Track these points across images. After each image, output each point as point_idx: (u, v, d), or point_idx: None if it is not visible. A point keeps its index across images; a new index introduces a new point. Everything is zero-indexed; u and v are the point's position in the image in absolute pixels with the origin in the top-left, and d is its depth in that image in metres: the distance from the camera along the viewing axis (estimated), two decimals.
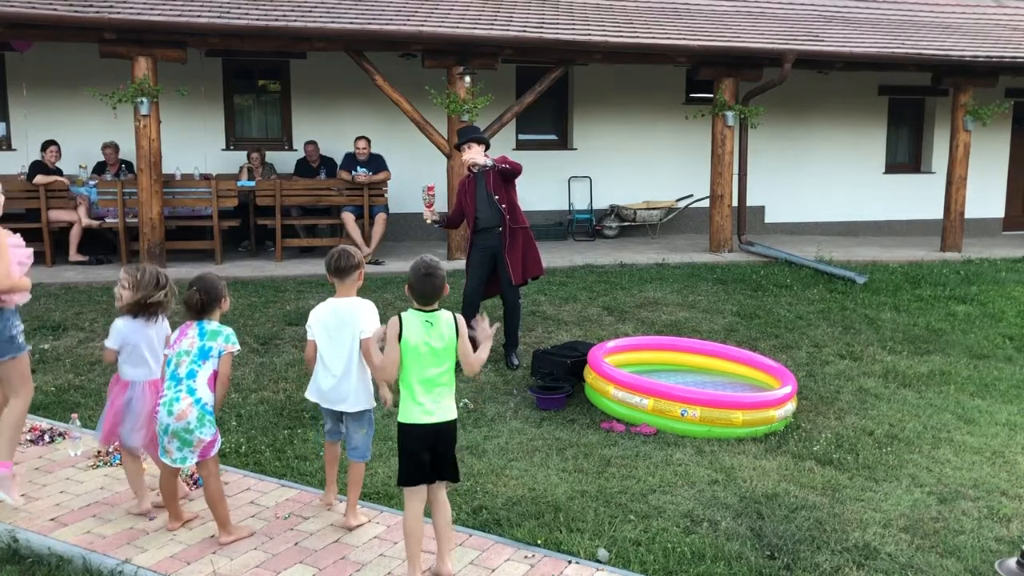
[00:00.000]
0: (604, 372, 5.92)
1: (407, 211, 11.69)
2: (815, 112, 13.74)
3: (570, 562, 3.87)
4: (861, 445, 5.44)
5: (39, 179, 9.82)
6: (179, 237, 10.47)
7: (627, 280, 9.66)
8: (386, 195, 10.76)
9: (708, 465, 5.04)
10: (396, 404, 3.83)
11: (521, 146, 12.75)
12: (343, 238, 10.44)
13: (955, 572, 3.91)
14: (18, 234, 4.38)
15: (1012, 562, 3.66)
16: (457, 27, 10.07)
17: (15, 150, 10.91)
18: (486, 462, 4.99)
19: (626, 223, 12.90)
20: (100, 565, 3.77)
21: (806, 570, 3.88)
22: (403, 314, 3.71)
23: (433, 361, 3.67)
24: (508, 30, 10.23)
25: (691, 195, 12.92)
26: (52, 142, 10.18)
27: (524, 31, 10.31)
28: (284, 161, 11.55)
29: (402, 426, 3.67)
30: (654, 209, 12.79)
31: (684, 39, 10.93)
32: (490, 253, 6.79)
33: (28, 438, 5.18)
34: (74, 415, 5.22)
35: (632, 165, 13.12)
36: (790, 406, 5.80)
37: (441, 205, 10.91)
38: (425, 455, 3.63)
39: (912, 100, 14.30)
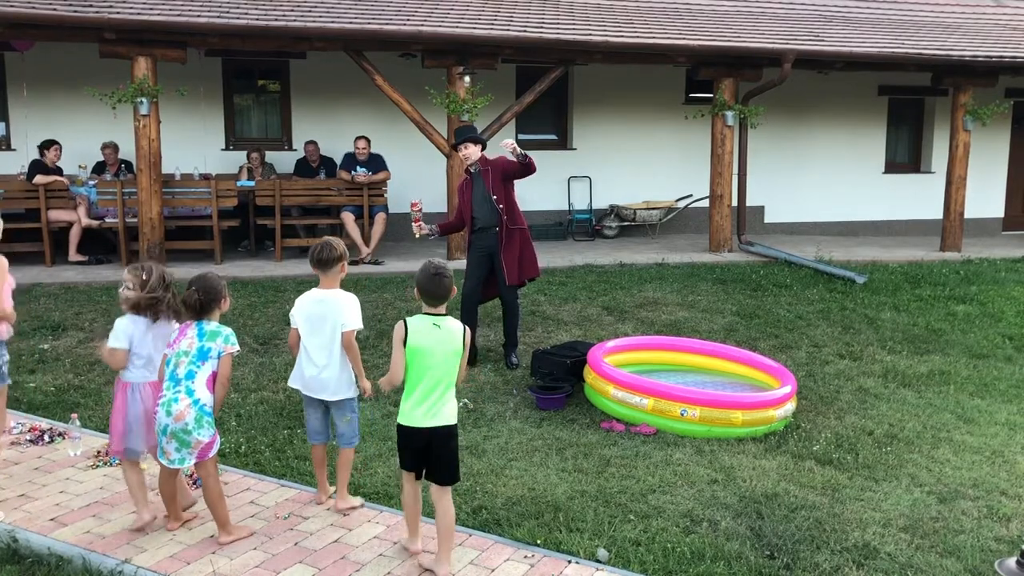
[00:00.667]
0: (604, 372, 5.92)
1: (407, 211, 11.61)
2: (815, 112, 13.74)
3: (570, 562, 3.87)
4: (861, 445, 5.44)
5: (39, 179, 9.82)
6: (179, 237, 10.48)
7: (627, 280, 9.66)
8: (386, 195, 10.76)
9: (708, 465, 5.04)
10: (377, 395, 3.86)
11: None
12: (343, 238, 10.42)
13: (955, 572, 3.91)
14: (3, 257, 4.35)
15: (1012, 562, 3.65)
16: (457, 27, 10.07)
17: (15, 150, 10.91)
18: (486, 462, 4.99)
19: (626, 223, 12.90)
20: (100, 565, 3.77)
21: (806, 570, 3.88)
22: (408, 319, 3.72)
23: (436, 366, 3.69)
24: (508, 30, 10.23)
25: (691, 195, 12.92)
26: (52, 142, 10.18)
27: (524, 31, 10.31)
28: (284, 161, 11.55)
29: (400, 427, 3.76)
30: (654, 209, 12.79)
31: (684, 39, 10.93)
32: (487, 253, 6.78)
33: (28, 438, 5.19)
34: (74, 415, 5.22)
35: (632, 165, 13.12)
36: (790, 406, 5.80)
37: (441, 205, 10.97)
38: (419, 453, 3.72)
39: (912, 100, 14.31)
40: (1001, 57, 11.68)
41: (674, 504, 4.49)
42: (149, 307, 4.04)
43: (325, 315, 4.18)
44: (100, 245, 10.44)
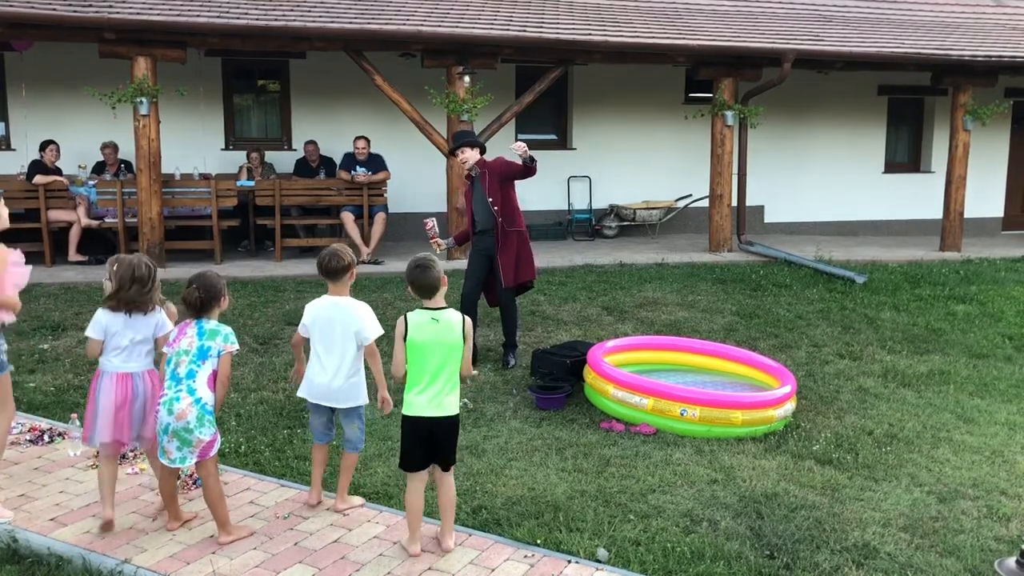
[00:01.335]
0: (604, 372, 5.92)
1: (406, 211, 11.69)
2: (815, 112, 13.74)
3: (570, 562, 3.87)
4: (860, 445, 5.44)
5: (38, 179, 9.82)
6: (179, 237, 10.47)
7: (627, 280, 9.66)
8: (385, 195, 10.76)
9: (707, 465, 5.05)
10: (398, 404, 3.92)
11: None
12: (343, 238, 10.43)
13: (955, 571, 3.91)
14: (18, 250, 4.30)
15: (1011, 561, 3.66)
16: (457, 27, 10.07)
17: (14, 150, 10.91)
18: (486, 462, 4.99)
19: (626, 223, 12.90)
20: (100, 565, 3.77)
21: (805, 570, 3.88)
22: (408, 314, 3.86)
23: (437, 358, 3.82)
24: (508, 30, 10.23)
25: (691, 195, 12.92)
26: (51, 142, 10.18)
27: (524, 31, 10.31)
28: (284, 161, 11.55)
29: (405, 418, 3.88)
30: (654, 209, 12.79)
31: (684, 39, 10.93)
32: (487, 255, 6.81)
33: (28, 438, 5.19)
34: (74, 415, 5.21)
35: (632, 165, 13.12)
36: (789, 406, 5.80)
37: (440, 205, 10.98)
38: (421, 445, 3.85)
39: (911, 100, 14.31)
40: (1001, 57, 11.68)
41: (674, 504, 4.49)
42: (119, 300, 3.99)
43: (334, 320, 4.18)
44: (100, 245, 10.43)
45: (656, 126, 13.17)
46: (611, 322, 8.09)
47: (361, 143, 10.68)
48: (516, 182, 6.82)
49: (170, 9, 9.40)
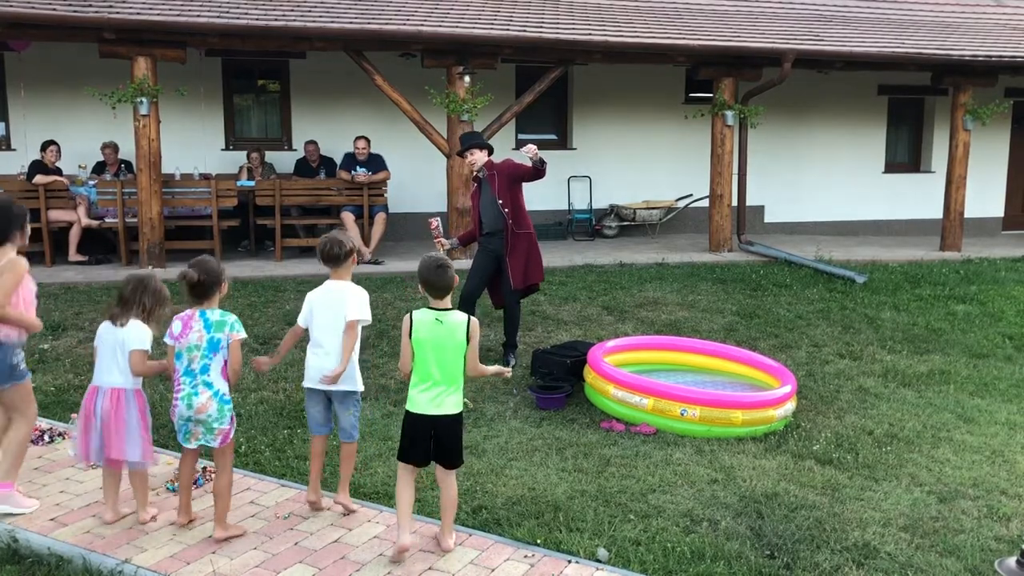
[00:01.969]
0: (604, 372, 5.92)
1: (407, 211, 11.69)
2: (815, 112, 13.74)
3: (570, 561, 3.87)
4: (861, 444, 5.45)
5: (38, 179, 9.82)
6: (179, 237, 10.47)
7: (627, 280, 9.66)
8: (386, 195, 10.76)
9: (708, 465, 5.05)
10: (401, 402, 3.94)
11: (521, 146, 12.72)
12: None
13: (955, 571, 3.91)
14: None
15: (1012, 561, 3.66)
16: (457, 27, 10.07)
17: (15, 150, 10.91)
18: (486, 462, 4.99)
19: (626, 223, 12.90)
20: (100, 565, 3.78)
21: (806, 569, 3.88)
22: (414, 312, 3.90)
23: (440, 358, 3.84)
24: (508, 30, 10.23)
25: (691, 195, 12.92)
26: (51, 142, 10.18)
27: (524, 31, 10.30)
28: (284, 161, 11.55)
29: (408, 414, 3.90)
30: (654, 209, 12.79)
31: (684, 39, 10.93)
32: (495, 256, 6.80)
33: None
34: (74, 415, 5.20)
35: (632, 165, 13.12)
36: (790, 405, 5.80)
37: (440, 205, 10.98)
38: (423, 441, 3.85)
39: (911, 100, 14.30)
40: (1001, 57, 11.68)
41: (674, 504, 4.49)
42: (113, 313, 4.13)
43: (332, 303, 4.23)
44: (100, 245, 10.44)
45: (656, 126, 13.17)
46: (611, 322, 8.09)
47: (361, 143, 10.68)
48: (524, 184, 6.80)
49: (170, 9, 9.40)
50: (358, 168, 10.63)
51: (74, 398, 5.92)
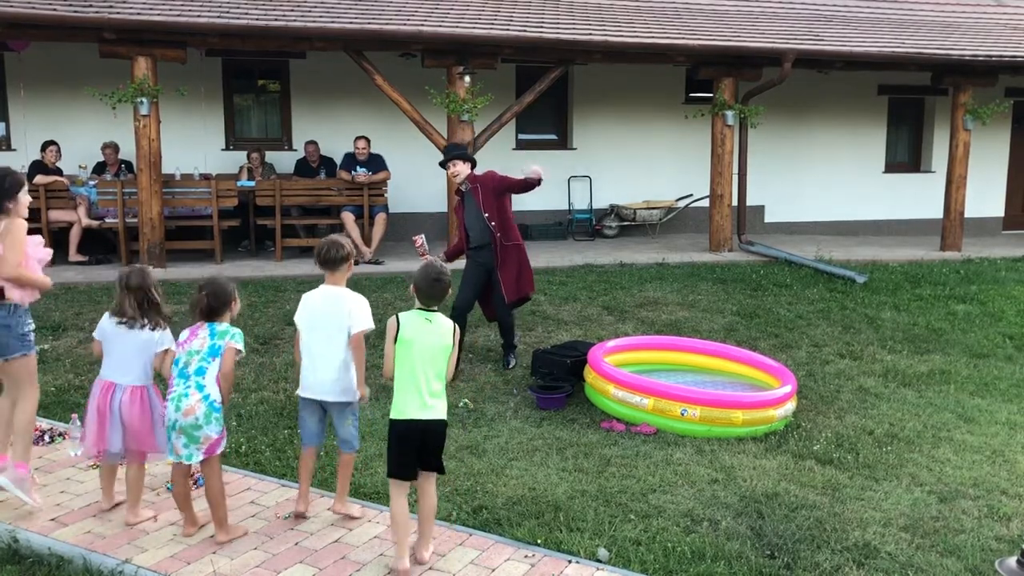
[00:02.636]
0: (604, 372, 5.92)
1: (407, 211, 11.69)
2: (815, 112, 13.74)
3: (570, 561, 3.87)
4: (861, 444, 5.45)
5: (39, 179, 9.82)
6: (179, 237, 10.47)
7: (627, 280, 9.66)
8: (386, 195, 10.76)
9: (708, 464, 5.04)
10: (371, 397, 3.89)
11: (521, 146, 12.76)
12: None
13: (955, 571, 3.91)
14: (39, 236, 4.39)
15: (1012, 561, 3.65)
16: (457, 27, 10.07)
17: (15, 150, 10.90)
18: (486, 462, 4.99)
19: (626, 223, 12.90)
20: (100, 565, 3.77)
21: (806, 569, 3.88)
22: (400, 315, 3.84)
23: (427, 361, 3.78)
24: (508, 30, 10.23)
25: (691, 195, 12.92)
26: (52, 142, 10.18)
27: (524, 31, 10.30)
28: (284, 161, 11.55)
29: (393, 422, 3.81)
30: (654, 209, 12.79)
31: (684, 38, 10.93)
32: (485, 268, 6.73)
33: None
34: (74, 415, 5.21)
35: (632, 165, 13.12)
36: (790, 405, 5.80)
37: (440, 205, 10.98)
38: (412, 451, 3.76)
39: (912, 99, 14.30)
40: (1001, 56, 11.68)
41: (674, 504, 4.49)
42: (117, 310, 4.10)
43: (329, 312, 4.15)
44: (100, 245, 10.44)
45: (656, 126, 13.16)
46: (611, 322, 8.09)
47: (361, 143, 10.69)
48: (514, 196, 6.72)
49: (170, 9, 9.40)
50: (358, 168, 10.63)
51: (74, 398, 5.92)
